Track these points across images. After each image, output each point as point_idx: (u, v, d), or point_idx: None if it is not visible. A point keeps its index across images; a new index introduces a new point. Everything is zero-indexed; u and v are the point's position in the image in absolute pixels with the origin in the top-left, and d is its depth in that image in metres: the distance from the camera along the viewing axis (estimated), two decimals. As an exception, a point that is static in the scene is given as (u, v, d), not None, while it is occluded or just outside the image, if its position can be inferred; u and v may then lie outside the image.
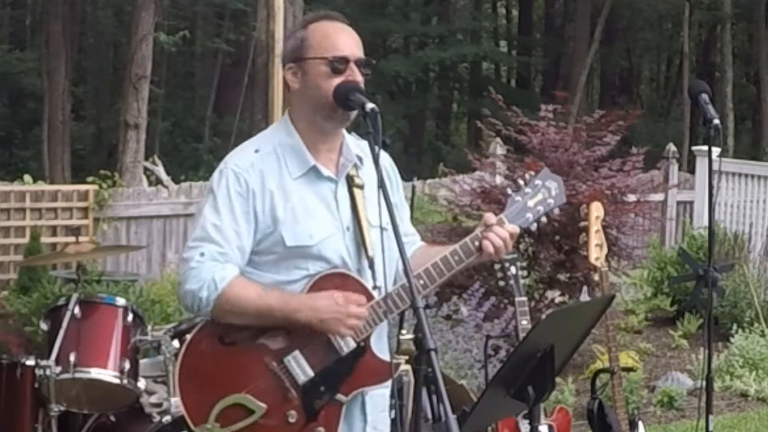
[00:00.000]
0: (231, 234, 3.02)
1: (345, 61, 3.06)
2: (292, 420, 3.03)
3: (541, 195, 3.25)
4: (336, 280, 3.06)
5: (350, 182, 3.13)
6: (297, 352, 3.03)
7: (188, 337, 3.13)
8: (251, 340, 3.04)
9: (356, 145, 3.20)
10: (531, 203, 3.24)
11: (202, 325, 3.10)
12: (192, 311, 3.10)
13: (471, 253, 3.13)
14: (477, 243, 3.13)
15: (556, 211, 3.32)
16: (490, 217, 3.18)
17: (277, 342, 3.03)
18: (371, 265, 3.09)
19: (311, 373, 3.03)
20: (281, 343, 3.03)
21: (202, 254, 3.01)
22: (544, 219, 3.28)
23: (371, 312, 3.05)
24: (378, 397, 3.18)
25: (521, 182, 3.27)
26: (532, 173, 3.31)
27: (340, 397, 3.06)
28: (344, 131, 3.19)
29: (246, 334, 3.04)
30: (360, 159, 3.17)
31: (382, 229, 3.02)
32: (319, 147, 3.12)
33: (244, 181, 3.04)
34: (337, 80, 3.05)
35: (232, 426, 3.01)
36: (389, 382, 3.17)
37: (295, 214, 3.05)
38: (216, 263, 3.01)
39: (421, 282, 3.06)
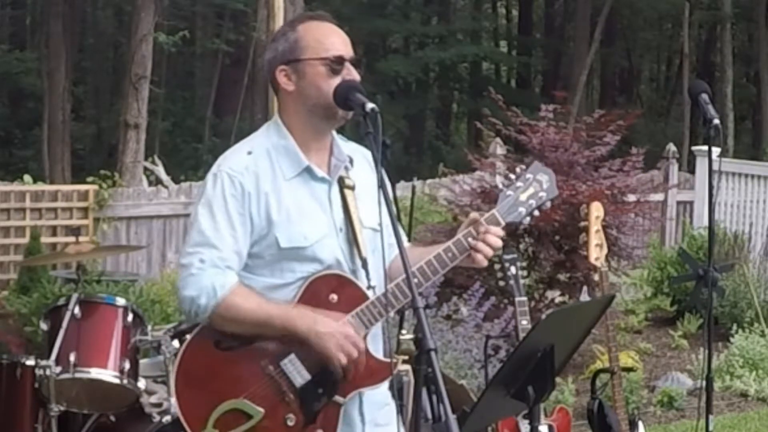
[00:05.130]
0: (228, 238, 3.00)
1: (342, 60, 3.06)
2: (290, 423, 3.02)
3: (532, 188, 3.20)
4: (331, 281, 3.05)
5: (341, 183, 3.12)
6: (293, 356, 3.01)
7: (188, 337, 3.12)
8: (247, 344, 3.02)
9: (345, 146, 3.19)
10: (523, 197, 3.19)
11: (198, 330, 3.08)
12: (189, 317, 3.08)
13: (465, 250, 3.10)
14: (471, 239, 3.11)
15: (548, 204, 3.26)
16: (476, 216, 3.15)
17: (273, 346, 3.02)
18: (365, 266, 3.07)
19: (308, 376, 3.01)
20: (277, 346, 3.02)
21: (202, 260, 2.99)
22: (536, 213, 3.23)
23: (367, 312, 3.04)
24: (376, 395, 3.16)
25: (512, 176, 3.23)
26: (523, 167, 3.27)
27: (338, 398, 3.04)
28: (333, 131, 3.17)
29: (242, 339, 3.02)
30: (351, 160, 3.15)
31: (377, 230, 3.00)
32: (311, 146, 3.10)
33: (239, 183, 3.02)
34: (335, 80, 3.04)
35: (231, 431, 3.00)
36: (387, 381, 3.16)
37: (289, 215, 3.03)
38: (217, 270, 2.99)
39: (416, 280, 3.00)
